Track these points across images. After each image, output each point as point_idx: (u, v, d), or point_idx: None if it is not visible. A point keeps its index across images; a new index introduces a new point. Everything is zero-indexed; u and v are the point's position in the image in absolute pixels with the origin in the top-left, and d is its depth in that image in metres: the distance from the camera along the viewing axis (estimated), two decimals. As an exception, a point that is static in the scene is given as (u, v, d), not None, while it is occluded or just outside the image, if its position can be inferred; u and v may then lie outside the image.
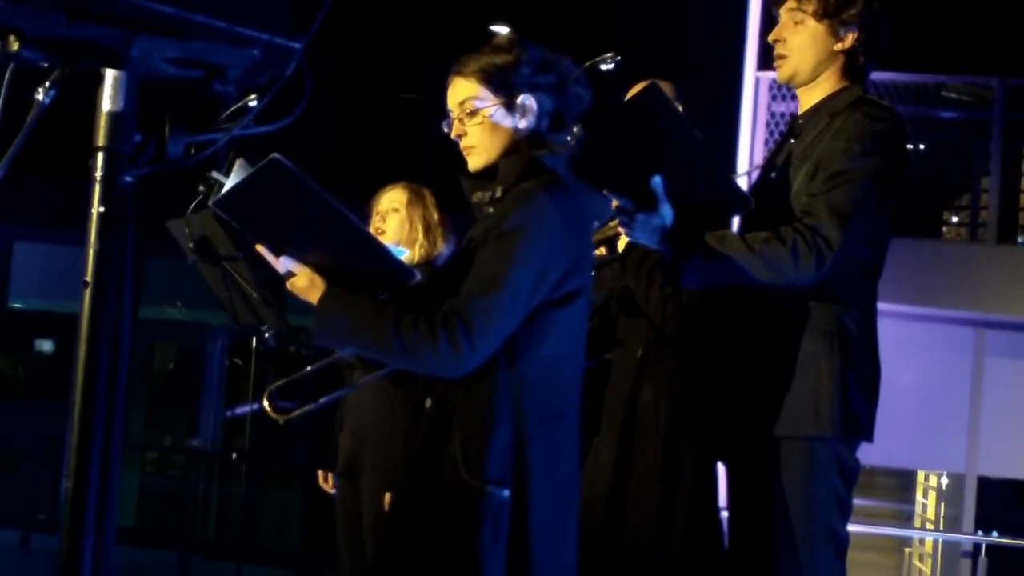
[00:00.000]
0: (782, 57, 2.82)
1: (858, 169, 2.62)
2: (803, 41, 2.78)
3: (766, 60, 6.25)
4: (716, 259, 2.60)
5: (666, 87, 3.62)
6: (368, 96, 11.64)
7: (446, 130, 2.38)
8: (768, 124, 7.02)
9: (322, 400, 3.41)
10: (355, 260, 2.26)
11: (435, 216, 3.91)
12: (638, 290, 3.08)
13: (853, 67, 2.80)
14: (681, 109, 3.60)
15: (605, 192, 2.56)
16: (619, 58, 2.38)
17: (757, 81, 6.90)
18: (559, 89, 2.36)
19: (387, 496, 3.67)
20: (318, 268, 2.25)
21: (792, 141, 2.85)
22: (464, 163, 2.39)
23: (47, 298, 11.88)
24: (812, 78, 2.80)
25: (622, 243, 3.05)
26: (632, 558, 3.06)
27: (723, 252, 2.59)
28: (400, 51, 10.84)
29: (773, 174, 2.86)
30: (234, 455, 9.95)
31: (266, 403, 3.15)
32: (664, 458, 3.05)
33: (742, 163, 6.56)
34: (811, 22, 2.77)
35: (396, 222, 3.87)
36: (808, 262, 2.57)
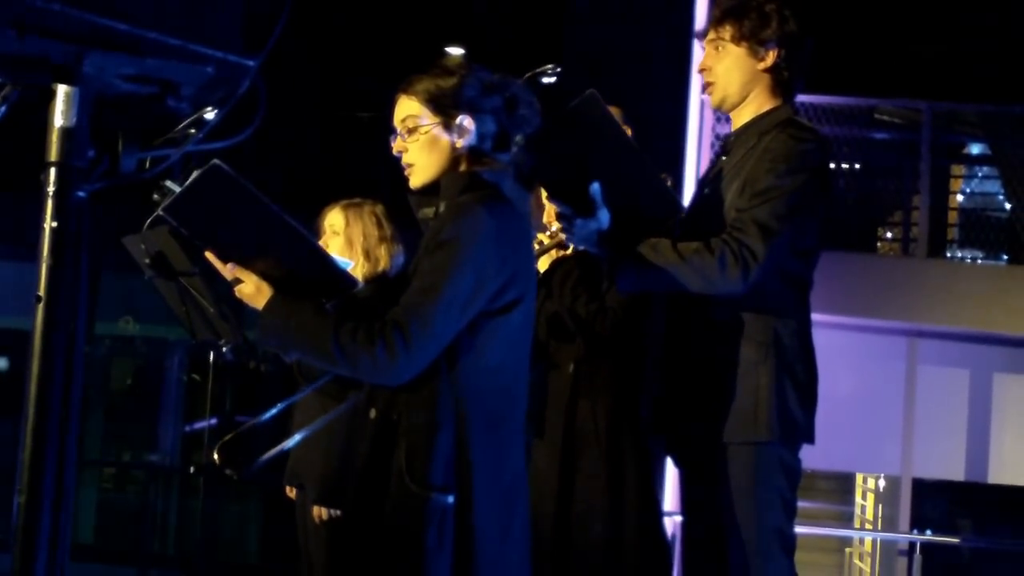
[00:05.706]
0: (710, 84, 2.93)
1: (784, 186, 2.71)
2: (727, 66, 2.88)
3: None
4: (649, 266, 2.70)
5: (614, 112, 3.67)
6: (327, 115, 11.66)
7: (392, 145, 2.43)
8: (713, 145, 7.16)
9: (258, 418, 3.43)
10: (299, 267, 2.29)
11: (375, 233, 3.90)
12: (563, 306, 3.13)
13: (779, 83, 2.89)
14: (629, 132, 3.65)
15: (547, 199, 2.63)
16: (559, 69, 2.46)
17: (702, 104, 7.01)
18: (506, 111, 2.41)
19: (316, 509, 3.69)
20: (265, 275, 2.29)
21: (724, 158, 2.94)
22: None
23: (1, 314, 11.72)
24: (741, 99, 2.90)
25: (543, 264, 3.11)
26: (583, 571, 3.08)
27: (655, 259, 2.69)
28: (359, 70, 10.88)
29: (706, 189, 2.95)
30: (192, 469, 9.87)
31: (216, 457, 3.19)
32: (607, 468, 3.09)
33: (688, 183, 6.65)
34: (731, 47, 2.87)
35: (337, 245, 3.88)
36: (734, 272, 2.66)
